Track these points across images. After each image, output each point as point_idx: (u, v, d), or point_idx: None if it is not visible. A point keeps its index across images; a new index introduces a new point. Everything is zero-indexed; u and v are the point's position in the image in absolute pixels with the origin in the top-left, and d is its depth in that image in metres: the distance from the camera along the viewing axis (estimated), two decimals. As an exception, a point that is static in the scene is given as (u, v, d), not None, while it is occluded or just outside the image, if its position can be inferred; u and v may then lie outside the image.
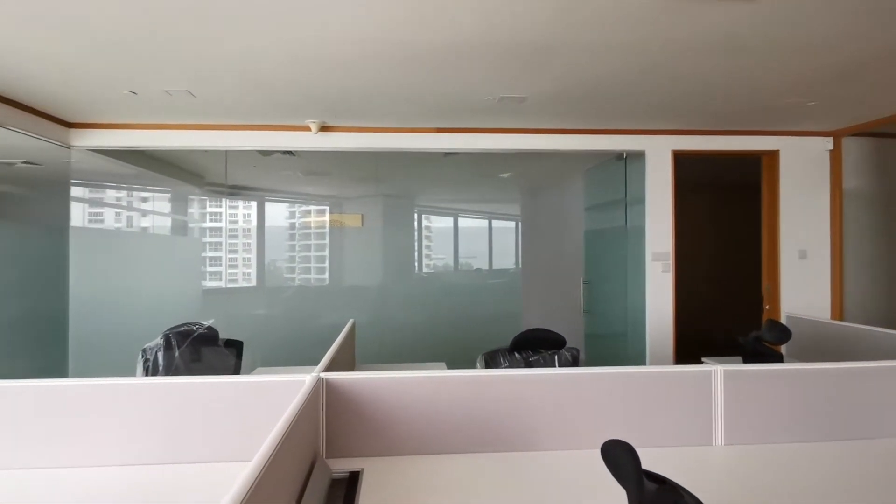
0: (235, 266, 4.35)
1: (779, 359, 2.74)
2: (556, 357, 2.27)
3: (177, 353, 2.26)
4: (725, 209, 6.48)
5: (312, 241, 4.40)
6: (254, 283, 4.35)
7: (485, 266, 4.50)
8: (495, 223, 4.58)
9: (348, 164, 4.33)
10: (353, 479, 1.63)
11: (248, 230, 4.36)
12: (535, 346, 2.28)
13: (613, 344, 4.41)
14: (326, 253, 4.38)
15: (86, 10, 2.10)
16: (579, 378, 1.82)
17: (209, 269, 4.30)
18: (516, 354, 2.25)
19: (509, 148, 4.10)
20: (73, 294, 3.91)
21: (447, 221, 4.51)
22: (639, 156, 4.23)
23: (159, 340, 2.28)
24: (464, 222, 4.54)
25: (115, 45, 2.43)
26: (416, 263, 4.44)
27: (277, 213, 4.41)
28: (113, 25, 2.23)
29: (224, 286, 4.32)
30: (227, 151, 4.02)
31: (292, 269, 4.39)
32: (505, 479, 1.58)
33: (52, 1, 2.02)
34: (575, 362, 2.23)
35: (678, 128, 4.11)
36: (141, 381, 1.74)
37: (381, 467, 1.68)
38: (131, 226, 4.41)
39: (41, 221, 3.90)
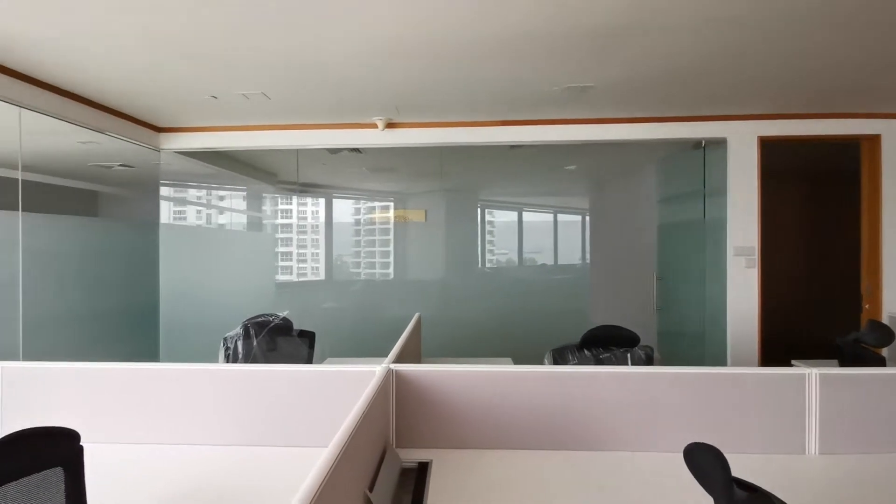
0: (305, 260, 4.54)
1: (880, 363, 2.49)
2: (628, 355, 2.18)
3: (255, 343, 2.38)
4: (818, 200, 5.96)
5: (377, 237, 4.50)
6: (322, 276, 4.51)
7: (550, 261, 4.41)
8: (561, 217, 4.47)
9: (412, 160, 4.39)
10: (423, 469, 1.65)
11: (317, 226, 4.53)
12: (606, 344, 2.20)
13: (689, 343, 4.19)
14: (390, 248, 4.47)
15: (174, 27, 2.24)
16: (657, 377, 1.74)
17: (281, 263, 4.51)
18: (586, 351, 2.19)
19: (576, 139, 3.98)
20: (162, 286, 4.24)
21: (511, 216, 4.46)
22: (719, 143, 3.97)
23: (239, 330, 2.41)
24: (528, 216, 4.46)
25: (199, 55, 2.59)
26: (480, 258, 4.42)
27: (344, 209, 4.55)
28: (198, 39, 2.38)
29: (295, 280, 4.51)
30: (298, 150, 4.19)
31: (358, 264, 4.51)
32: (575, 477, 1.54)
33: (146, 20, 2.18)
34: (649, 361, 2.14)
35: (765, 112, 3.82)
36: (229, 367, 1.84)
37: (449, 459, 1.69)
38: (210, 223, 4.70)
39: (135, 218, 4.25)
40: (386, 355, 2.05)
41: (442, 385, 1.79)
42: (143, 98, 3.35)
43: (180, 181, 4.43)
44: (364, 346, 4.18)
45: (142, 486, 1.53)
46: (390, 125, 3.99)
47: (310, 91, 3.22)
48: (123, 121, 3.71)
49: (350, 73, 2.90)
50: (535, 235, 4.43)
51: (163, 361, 3.45)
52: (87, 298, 3.54)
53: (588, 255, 4.39)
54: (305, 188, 4.49)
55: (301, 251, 4.54)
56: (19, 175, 2.99)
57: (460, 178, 4.44)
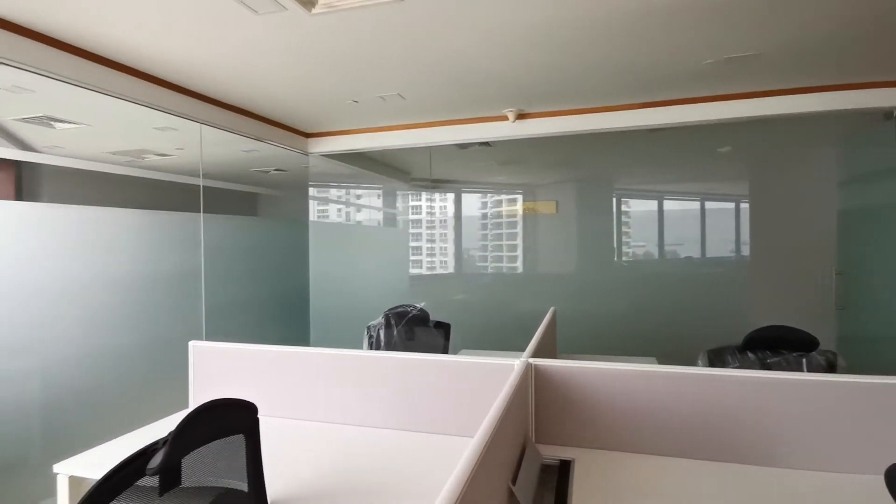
0: (435, 254, 4.69)
1: None
2: (803, 360, 1.90)
3: (395, 332, 2.50)
4: None
5: (504, 230, 4.48)
6: (451, 270, 4.62)
7: (696, 254, 4.00)
8: (710, 205, 4.02)
9: (542, 151, 4.29)
10: (564, 467, 1.59)
11: (445, 221, 4.65)
12: (775, 346, 1.94)
13: (883, 349, 3.53)
14: (518, 242, 4.42)
15: (325, 41, 2.43)
16: (845, 387, 1.48)
17: (413, 257, 4.71)
18: (749, 354, 1.94)
19: (732, 117, 3.56)
20: (311, 277, 4.67)
21: (649, 205, 4.13)
22: (917, 112, 3.29)
23: (381, 319, 2.55)
24: (670, 205, 4.10)
25: (344, 64, 2.79)
26: (615, 251, 4.18)
27: (473, 203, 4.60)
28: (344, 50, 2.55)
29: (426, 273, 4.68)
30: (430, 147, 4.32)
31: (485, 258, 4.54)
32: (740, 495, 1.37)
33: (299, 37, 2.39)
34: (831, 368, 1.83)
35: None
36: (379, 354, 1.95)
37: (592, 459, 1.61)
38: (350, 220, 5.07)
39: (288, 217, 4.73)
40: (516, 349, 2.03)
41: (583, 382, 1.71)
42: (295, 107, 3.70)
43: (325, 182, 4.84)
44: (495, 339, 4.19)
45: (301, 457, 1.68)
46: (521, 116, 3.93)
47: (442, 88, 3.30)
48: (278, 129, 4.13)
49: (483, 66, 2.90)
50: (679, 226, 4.05)
51: (312, 345, 3.83)
52: (250, 287, 4.03)
53: (745, 247, 3.91)
54: (437, 184, 4.63)
55: (430, 245, 4.69)
56: (200, 182, 3.49)
57: (594, 167, 4.23)
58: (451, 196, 4.66)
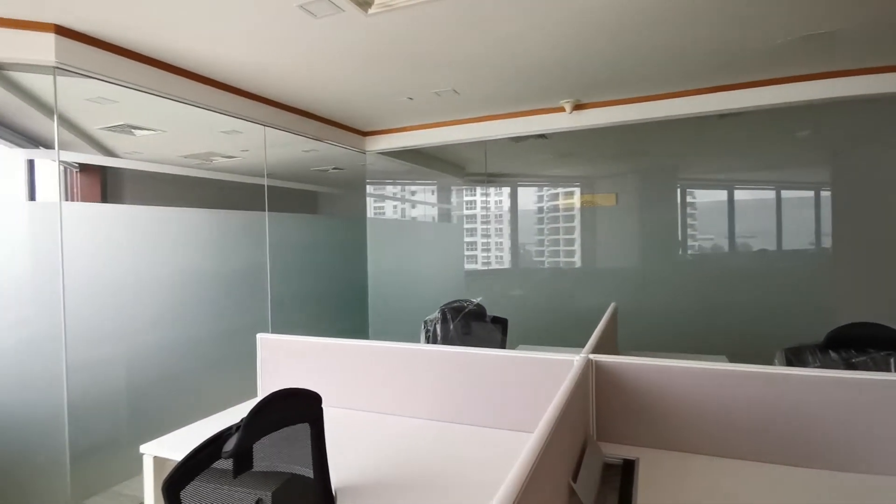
0: (491, 249, 4.67)
1: None
2: (891, 360, 1.74)
3: (451, 326, 2.51)
4: None
5: (561, 224, 4.39)
6: (506, 265, 4.59)
7: (771, 246, 3.74)
8: (786, 194, 3.74)
9: (601, 141, 4.15)
10: (628, 467, 1.54)
11: (500, 216, 4.61)
12: (861, 345, 1.79)
13: None
14: (575, 235, 4.32)
15: (376, 38, 2.47)
16: (947, 392, 1.34)
17: (469, 252, 4.71)
18: (832, 353, 1.80)
19: (809, 99, 3.30)
20: (370, 272, 4.78)
21: (718, 195, 3.90)
22: None
23: (437, 314, 2.57)
24: (741, 195, 3.85)
25: (398, 62, 2.82)
26: (680, 244, 3.98)
27: (528, 196, 4.54)
28: (396, 48, 2.58)
29: (482, 268, 4.67)
30: (485, 142, 4.30)
31: (541, 252, 4.47)
32: (816, 502, 1.28)
33: (352, 36, 2.44)
34: (929, 370, 1.67)
35: None
36: (438, 348, 1.97)
37: (657, 460, 1.55)
38: (406, 216, 5.14)
39: (346, 214, 4.86)
40: (574, 345, 1.98)
41: (647, 380, 1.65)
42: (352, 106, 3.79)
43: (382, 179, 4.94)
44: (552, 336, 4.13)
45: (362, 447, 1.73)
46: (578, 107, 3.83)
47: (497, 82, 3.27)
48: (336, 129, 4.25)
49: (539, 57, 2.85)
50: (751, 216, 3.79)
51: (371, 338, 3.91)
52: (312, 282, 4.17)
53: (826, 238, 3.61)
54: (492, 178, 4.61)
55: (485, 240, 4.68)
56: (265, 181, 3.65)
57: (657, 157, 4.05)
58: (506, 190, 4.62)
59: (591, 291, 4.19)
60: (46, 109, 2.56)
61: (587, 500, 1.28)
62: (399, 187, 5.19)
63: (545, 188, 4.49)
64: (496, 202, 4.67)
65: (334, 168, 4.67)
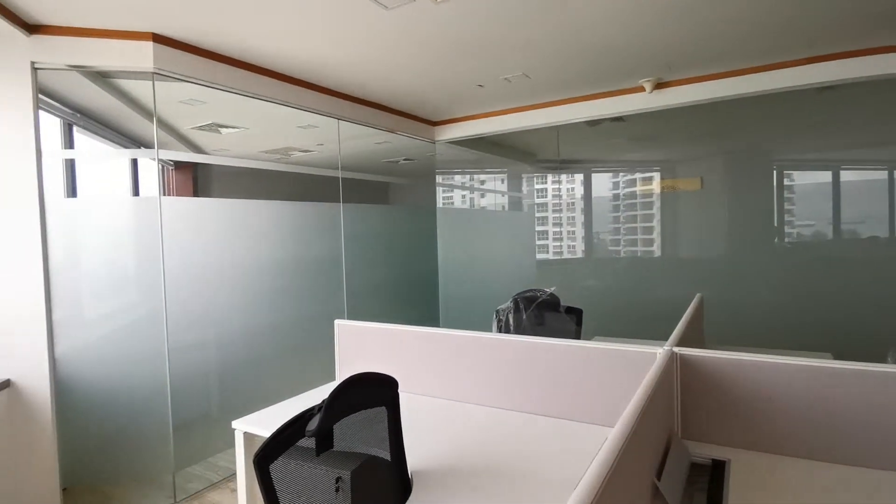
0: (561, 238, 4.54)
1: None
2: None
3: (524, 316, 2.48)
4: None
5: (638, 212, 4.19)
6: (579, 254, 4.45)
7: (883, 233, 3.32)
8: (903, 174, 3.31)
9: (683, 122, 3.89)
10: (718, 468, 1.45)
11: (572, 204, 4.47)
12: None
13: None
14: (654, 223, 4.10)
15: (446, 26, 2.45)
16: None
17: (540, 241, 4.61)
18: (963, 352, 1.58)
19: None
20: (440, 260, 4.83)
21: (820, 177, 3.51)
22: None
23: (509, 303, 2.54)
24: (848, 176, 3.44)
25: (468, 50, 2.79)
26: (776, 230, 3.64)
27: (603, 183, 4.36)
28: (467, 35, 2.55)
29: (553, 257, 4.56)
30: (558, 127, 4.18)
31: (617, 241, 4.29)
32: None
33: (422, 26, 2.44)
34: None
35: None
36: (512, 338, 1.95)
37: (750, 462, 1.44)
38: (475, 205, 5.12)
39: (416, 204, 4.93)
40: (653, 338, 1.88)
41: (739, 376, 1.53)
42: (423, 97, 3.81)
43: (451, 169, 4.95)
44: (629, 328, 3.95)
45: (436, 433, 1.74)
46: (659, 86, 3.60)
47: (570, 64, 3.15)
48: (407, 120, 4.30)
49: (615, 34, 2.71)
50: (860, 200, 3.37)
51: (442, 326, 3.98)
52: (384, 271, 4.28)
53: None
54: (564, 164, 4.47)
55: (556, 229, 4.56)
56: (339, 174, 3.77)
57: (747, 137, 3.72)
58: (579, 177, 4.47)
59: (672, 282, 3.96)
60: (146, 112, 2.78)
61: (673, 499, 1.21)
62: (468, 176, 5.18)
63: (621, 174, 4.29)
64: (568, 189, 4.53)
65: (405, 159, 4.73)
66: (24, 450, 2.40)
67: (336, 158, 3.77)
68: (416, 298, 4.68)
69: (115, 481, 2.72)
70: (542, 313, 2.51)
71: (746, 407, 1.52)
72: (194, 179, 3.26)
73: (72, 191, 2.75)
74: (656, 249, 4.12)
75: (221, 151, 3.60)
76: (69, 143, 2.90)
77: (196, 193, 3.23)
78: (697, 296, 2.56)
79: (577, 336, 2.50)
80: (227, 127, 3.33)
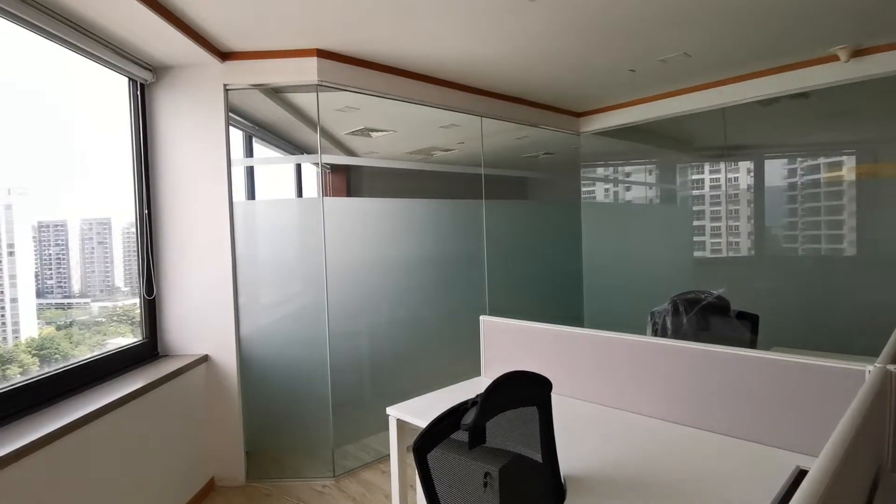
0: (727, 234, 4.04)
1: None
2: None
3: (685, 320, 2.24)
4: None
5: (822, 203, 3.56)
6: (744, 252, 3.92)
7: None
8: None
9: (891, 95, 3.19)
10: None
11: (736, 195, 3.95)
12: None
13: None
14: (844, 216, 3.45)
15: (597, 9, 2.31)
16: None
17: (700, 237, 4.15)
18: None
19: None
20: (584, 257, 4.62)
21: None
22: None
23: (667, 305, 2.32)
24: None
25: (621, 32, 2.61)
26: None
27: (776, 170, 3.79)
28: (620, 15, 2.38)
29: (711, 255, 4.09)
30: (724, 109, 3.72)
31: (794, 238, 3.69)
32: None
33: (570, 12, 2.33)
34: None
35: None
36: (681, 344, 1.77)
37: None
38: (622, 199, 4.81)
39: (557, 198, 4.78)
40: (849, 351, 1.56)
41: None
42: (568, 87, 3.68)
43: (596, 161, 4.71)
44: (815, 338, 3.35)
45: (588, 438, 1.65)
46: (858, 53, 3.01)
47: (742, 35, 2.78)
48: (550, 112, 4.19)
49: (798, -3, 2.33)
50: None
51: (586, 326, 3.80)
52: (526, 267, 4.22)
53: None
54: (729, 151, 3.96)
55: (716, 224, 4.07)
56: (482, 171, 3.80)
57: None
58: (744, 165, 3.93)
59: (873, 285, 3.28)
60: (309, 121, 3.08)
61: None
62: (611, 168, 4.88)
63: (800, 159, 3.68)
64: (731, 179, 4.01)
65: (545, 153, 4.62)
66: (218, 416, 2.82)
67: (475, 155, 3.81)
68: (558, 296, 4.55)
69: (285, 451, 3.07)
70: (708, 318, 2.25)
71: None
72: (347, 180, 3.54)
73: (251, 193, 3.16)
74: (847, 247, 3.46)
75: (370, 154, 3.85)
76: (249, 152, 3.33)
77: (349, 193, 3.50)
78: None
79: (753, 346, 2.19)
80: (376, 130, 3.56)
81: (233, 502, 2.67)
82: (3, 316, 2.11)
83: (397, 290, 3.38)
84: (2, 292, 2.11)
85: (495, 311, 3.65)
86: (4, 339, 2.14)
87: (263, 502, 2.67)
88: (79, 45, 2.20)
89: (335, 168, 3.36)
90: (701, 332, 2.24)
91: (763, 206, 3.83)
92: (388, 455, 2.21)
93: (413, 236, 3.49)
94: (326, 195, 3.04)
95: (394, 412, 1.89)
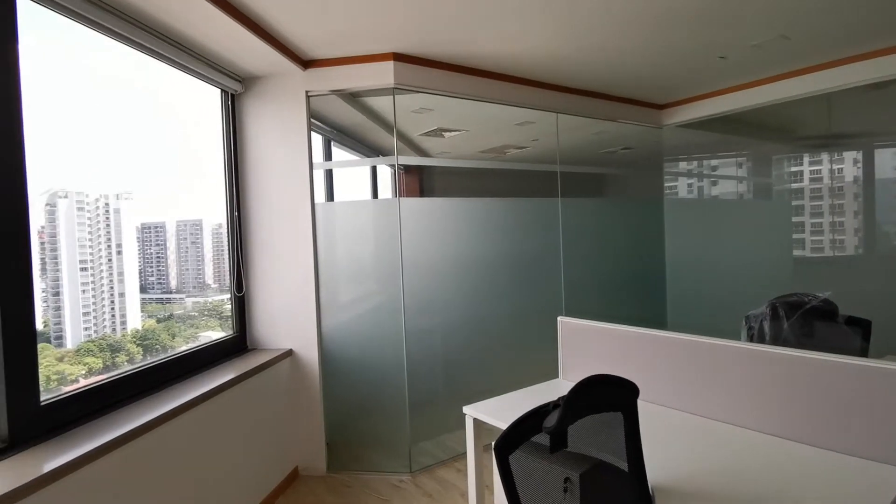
0: (832, 231, 3.66)
1: None
2: None
3: (785, 325, 2.06)
4: None
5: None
6: (850, 250, 3.53)
7: None
8: None
9: None
10: None
11: (840, 189, 3.57)
12: None
13: None
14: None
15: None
16: None
17: (798, 234, 3.80)
18: None
19: None
20: (668, 256, 4.37)
21: None
22: None
23: (765, 309, 2.14)
24: None
25: (711, 17, 2.45)
26: None
27: (886, 161, 3.39)
28: (709, 3, 2.23)
29: (811, 254, 3.72)
30: (829, 94, 3.37)
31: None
32: None
33: (642, 7, 2.21)
34: None
35: None
36: (783, 351, 1.63)
37: None
38: (711, 194, 4.51)
39: (636, 194, 4.57)
40: None
41: None
42: (649, 79, 3.50)
43: (679, 155, 4.45)
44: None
45: (677, 447, 1.55)
46: None
47: (852, 11, 2.51)
48: (629, 106, 4.01)
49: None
50: None
51: (670, 329, 3.59)
52: (604, 266, 4.06)
53: None
54: (834, 140, 3.59)
55: (816, 220, 3.70)
56: (558, 168, 3.71)
57: None
58: (849, 155, 3.54)
59: None
60: (384, 124, 3.15)
61: None
62: (699, 162, 4.58)
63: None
64: (837, 170, 3.62)
65: (623, 148, 4.43)
66: (301, 408, 2.96)
67: (551, 152, 3.73)
68: (639, 297, 4.34)
69: (363, 444, 3.17)
70: (812, 323, 2.05)
71: None
72: (420, 181, 3.58)
73: (330, 195, 3.28)
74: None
75: (443, 154, 3.88)
76: (328, 155, 3.47)
77: (422, 194, 3.55)
78: None
79: (864, 354, 1.97)
80: (449, 131, 3.58)
81: (315, 491, 2.79)
82: (113, 309, 2.34)
83: (472, 290, 3.38)
84: (112, 287, 2.35)
85: (572, 312, 3.55)
86: (114, 329, 2.37)
87: (344, 493, 2.77)
88: (180, 61, 2.40)
89: (408, 168, 3.42)
90: (804, 339, 2.05)
91: (873, 200, 3.44)
92: (463, 453, 2.21)
93: (487, 235, 3.47)
94: (401, 196, 3.09)
95: (470, 411, 1.88)
